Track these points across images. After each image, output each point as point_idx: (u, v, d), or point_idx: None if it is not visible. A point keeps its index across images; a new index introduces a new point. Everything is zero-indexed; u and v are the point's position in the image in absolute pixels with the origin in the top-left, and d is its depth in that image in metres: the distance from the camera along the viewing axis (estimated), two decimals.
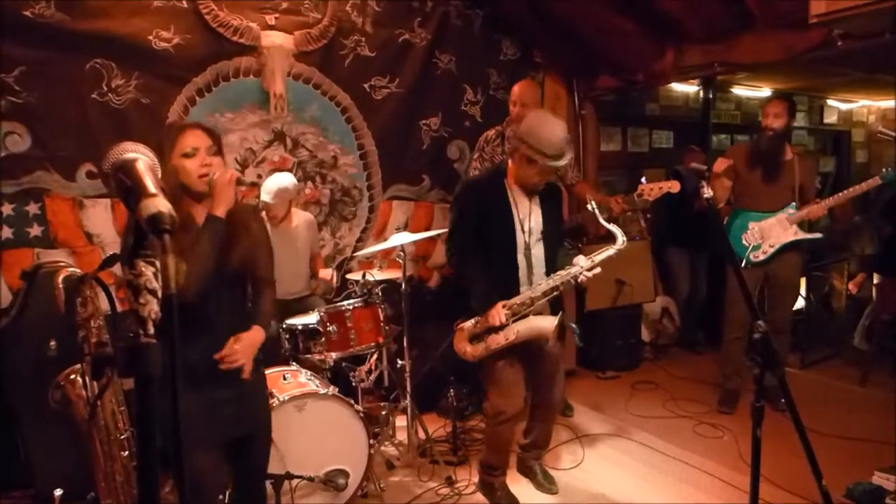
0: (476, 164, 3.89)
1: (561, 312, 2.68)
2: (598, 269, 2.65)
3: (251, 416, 2.06)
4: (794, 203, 3.67)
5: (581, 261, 2.65)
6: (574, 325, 2.76)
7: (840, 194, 3.59)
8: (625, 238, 2.69)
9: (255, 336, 2.00)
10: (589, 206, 2.76)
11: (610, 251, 2.68)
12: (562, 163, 2.59)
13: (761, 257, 3.68)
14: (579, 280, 2.64)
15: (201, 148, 1.89)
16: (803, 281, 4.97)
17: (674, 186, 3.34)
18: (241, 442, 2.05)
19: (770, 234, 3.66)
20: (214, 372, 1.91)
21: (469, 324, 2.71)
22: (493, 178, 2.79)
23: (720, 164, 3.70)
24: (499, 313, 2.60)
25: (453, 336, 2.81)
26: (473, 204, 2.73)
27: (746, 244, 3.71)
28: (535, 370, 2.86)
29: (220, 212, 1.88)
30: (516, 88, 3.79)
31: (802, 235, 3.68)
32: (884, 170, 3.43)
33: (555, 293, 2.67)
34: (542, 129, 2.57)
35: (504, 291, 2.66)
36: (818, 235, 3.85)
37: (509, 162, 2.75)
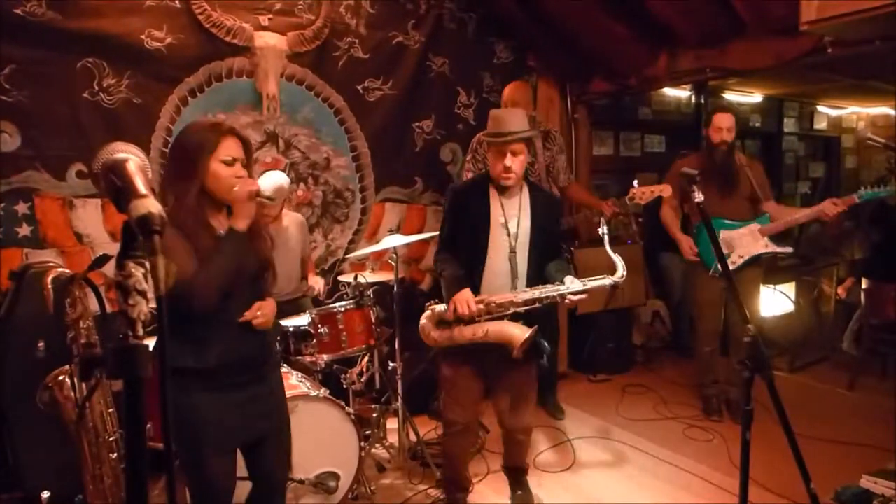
0: (469, 165, 3.91)
1: (535, 327, 2.53)
2: (584, 296, 2.55)
3: (266, 416, 2.05)
4: (766, 214, 3.66)
5: (569, 281, 2.54)
6: (545, 344, 2.68)
7: (803, 214, 3.60)
8: (625, 272, 2.59)
9: (273, 304, 2.05)
10: (600, 230, 2.67)
11: (605, 281, 2.58)
12: (510, 138, 2.51)
13: (730, 267, 3.66)
14: (566, 301, 2.55)
15: (238, 158, 1.88)
16: (792, 286, 5.02)
17: (665, 190, 3.33)
18: (258, 441, 2.04)
19: (740, 244, 3.62)
20: (234, 373, 1.93)
21: (441, 308, 2.61)
22: (477, 181, 2.79)
23: (666, 190, 3.46)
24: (465, 300, 2.51)
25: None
26: (455, 206, 2.73)
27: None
28: (500, 393, 2.79)
29: (242, 225, 1.86)
30: (507, 90, 3.81)
31: (773, 248, 3.64)
32: (861, 188, 3.41)
33: (536, 305, 2.56)
34: (494, 113, 2.62)
35: (471, 289, 2.60)
36: (789, 249, 3.79)
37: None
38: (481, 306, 2.53)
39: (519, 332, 2.49)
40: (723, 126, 3.64)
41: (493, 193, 2.68)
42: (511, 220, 2.66)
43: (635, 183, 3.36)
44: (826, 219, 3.56)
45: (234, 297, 1.91)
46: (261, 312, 1.97)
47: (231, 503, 2.02)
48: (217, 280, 1.81)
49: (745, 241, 3.64)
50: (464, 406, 2.73)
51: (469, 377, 2.71)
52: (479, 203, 2.67)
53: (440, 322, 2.62)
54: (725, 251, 3.64)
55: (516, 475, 3.02)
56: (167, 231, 1.77)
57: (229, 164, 1.85)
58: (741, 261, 3.62)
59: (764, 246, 3.64)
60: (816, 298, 5.21)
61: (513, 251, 2.67)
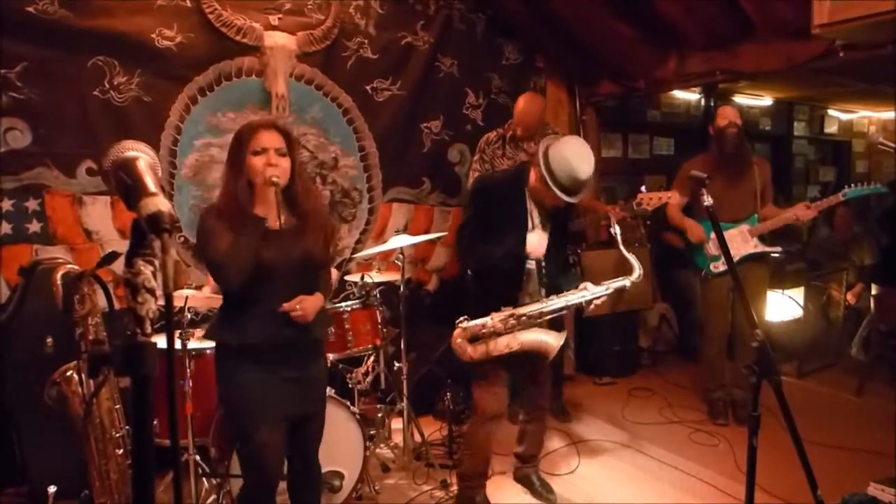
0: (476, 165, 3.90)
1: (565, 332, 2.66)
2: (605, 298, 2.66)
3: (312, 397, 2.17)
4: (755, 215, 3.69)
5: (591, 286, 2.64)
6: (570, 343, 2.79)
7: (783, 217, 3.62)
8: (641, 271, 2.67)
9: (317, 299, 2.13)
10: (612, 230, 2.74)
11: (625, 282, 2.66)
12: (573, 199, 2.53)
13: (721, 268, 3.68)
14: (588, 305, 2.67)
15: (270, 148, 1.99)
16: (801, 291, 4.99)
17: (672, 197, 3.35)
18: (298, 421, 2.15)
19: (730, 245, 3.64)
20: (275, 351, 2.03)
21: (474, 324, 2.63)
22: (512, 180, 2.73)
23: (674, 197, 3.56)
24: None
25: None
26: (490, 200, 2.70)
27: (707, 254, 3.72)
28: (527, 374, 2.87)
29: (263, 212, 2.00)
30: (523, 102, 3.77)
31: (762, 248, 3.69)
32: (846, 187, 3.48)
33: (562, 312, 2.66)
34: (569, 160, 2.48)
35: (508, 294, 2.64)
36: (778, 249, 3.82)
37: (532, 169, 2.68)
38: (513, 321, 2.58)
39: (553, 341, 2.60)
40: (728, 114, 3.67)
41: (528, 197, 2.69)
42: (537, 227, 2.70)
43: (643, 188, 3.38)
44: (799, 222, 3.66)
45: (277, 285, 2.02)
46: (300, 306, 2.05)
47: (278, 480, 2.14)
48: (238, 261, 1.92)
49: (735, 242, 3.66)
50: (496, 395, 2.77)
51: (499, 368, 2.77)
52: (516, 205, 2.68)
53: (473, 338, 2.64)
54: (716, 252, 3.65)
55: (534, 467, 3.10)
56: (213, 218, 1.90)
57: (259, 153, 1.98)
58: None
59: (753, 246, 3.68)
60: (825, 304, 5.18)
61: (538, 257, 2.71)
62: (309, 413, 2.17)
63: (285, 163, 2.02)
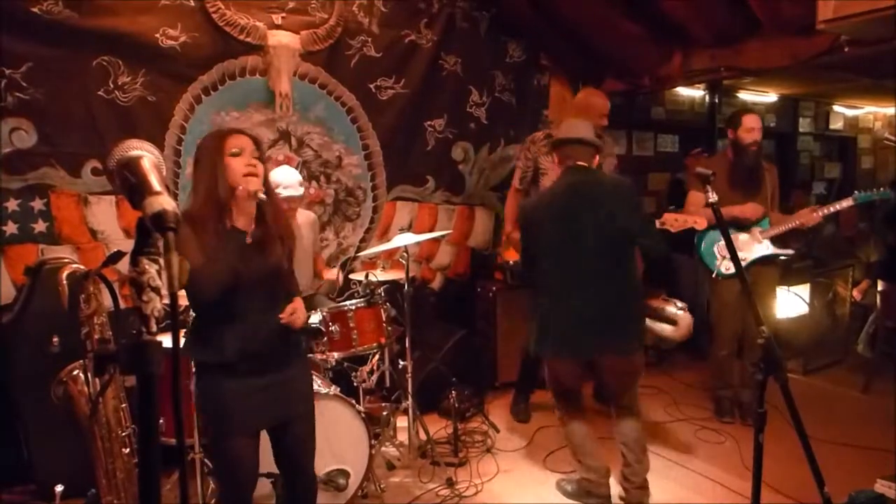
0: (520, 163, 3.83)
1: None
2: None
3: (294, 397, 2.13)
4: (767, 218, 3.70)
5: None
6: None
7: (792, 221, 3.62)
8: None
9: (300, 303, 2.16)
10: None
11: None
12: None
13: (733, 269, 3.67)
14: None
15: (247, 149, 1.97)
16: (807, 288, 4.97)
17: (699, 223, 3.20)
18: (283, 424, 2.12)
19: (742, 247, 3.66)
20: (251, 362, 2.01)
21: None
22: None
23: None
24: None
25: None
26: None
27: (719, 256, 3.73)
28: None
29: (241, 224, 1.98)
30: (589, 98, 3.76)
31: (775, 250, 3.70)
32: (855, 192, 3.49)
33: None
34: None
35: None
36: (790, 251, 3.83)
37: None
38: None
39: None
40: (754, 126, 3.65)
41: None
42: None
43: (671, 207, 3.34)
44: (805, 227, 3.66)
45: (246, 294, 1.97)
46: (294, 315, 2.07)
47: (253, 488, 2.10)
48: (215, 275, 1.88)
49: (747, 244, 3.68)
50: None
51: None
52: None
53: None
54: (727, 253, 3.64)
55: None
56: (187, 226, 1.84)
57: (237, 154, 1.95)
58: (744, 263, 3.62)
59: (766, 248, 3.69)
60: (831, 300, 5.16)
61: None
62: (293, 414, 2.12)
63: (261, 167, 1.99)
